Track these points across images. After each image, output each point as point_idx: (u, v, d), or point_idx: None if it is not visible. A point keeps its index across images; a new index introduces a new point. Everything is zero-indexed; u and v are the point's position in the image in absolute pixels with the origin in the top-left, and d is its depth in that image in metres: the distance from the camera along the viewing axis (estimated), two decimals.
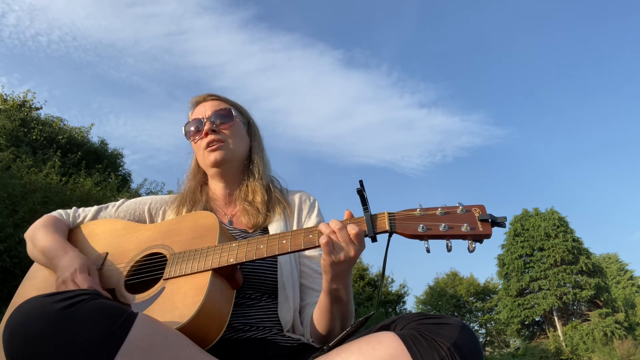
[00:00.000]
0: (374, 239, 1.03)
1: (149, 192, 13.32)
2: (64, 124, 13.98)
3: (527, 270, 31.30)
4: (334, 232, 1.03)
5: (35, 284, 1.29)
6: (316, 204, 1.47)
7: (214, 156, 1.39)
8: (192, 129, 1.44)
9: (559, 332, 29.46)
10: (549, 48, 58.84)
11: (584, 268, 29.32)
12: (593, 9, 56.84)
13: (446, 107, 58.73)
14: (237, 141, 1.45)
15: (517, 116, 60.42)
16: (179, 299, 1.04)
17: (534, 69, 59.82)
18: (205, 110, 1.44)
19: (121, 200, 1.50)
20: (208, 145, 1.40)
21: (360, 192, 1.04)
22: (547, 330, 30.61)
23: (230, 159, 1.42)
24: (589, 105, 57.85)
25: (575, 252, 30.00)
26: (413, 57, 67.64)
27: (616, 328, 27.03)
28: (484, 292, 34.79)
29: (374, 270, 22.17)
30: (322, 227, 1.05)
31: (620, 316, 28.53)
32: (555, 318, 30.19)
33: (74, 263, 1.18)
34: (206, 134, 1.40)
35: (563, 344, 28.37)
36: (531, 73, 60.14)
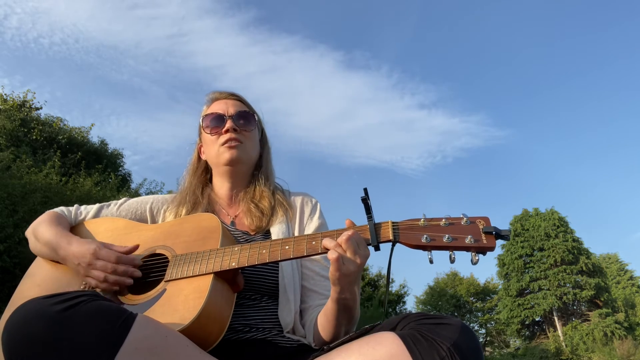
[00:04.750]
0: (377, 248, 1.03)
1: (149, 192, 13.31)
2: (64, 124, 13.97)
3: (527, 270, 31.33)
4: (339, 245, 1.01)
5: (36, 281, 1.29)
6: (318, 206, 1.46)
7: (231, 154, 1.39)
8: (212, 121, 1.42)
9: (559, 332, 29.50)
10: (548, 49, 58.88)
11: (584, 268, 29.35)
12: (592, 11, 56.87)
13: (446, 108, 58.84)
14: (253, 146, 1.46)
15: (516, 117, 60.56)
16: (180, 302, 1.04)
17: (534, 70, 59.89)
18: (228, 107, 1.44)
19: (123, 199, 1.50)
20: (226, 142, 1.39)
21: (365, 201, 1.04)
22: (547, 330, 30.64)
23: (245, 161, 1.43)
24: (589, 106, 57.93)
25: (575, 252, 30.03)
26: (413, 59, 67.74)
27: (616, 328, 27.06)
28: (484, 292, 34.83)
29: (374, 270, 22.21)
30: (327, 242, 1.03)
31: (620, 316, 28.57)
32: (555, 318, 30.22)
33: (88, 245, 1.18)
34: (227, 131, 1.40)
35: (563, 344, 28.40)
36: (531, 74, 60.21)
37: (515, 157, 59.49)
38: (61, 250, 1.23)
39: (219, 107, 1.44)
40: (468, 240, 0.94)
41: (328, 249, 1.02)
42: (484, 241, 0.94)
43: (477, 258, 0.94)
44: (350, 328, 1.17)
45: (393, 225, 1.02)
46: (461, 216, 0.98)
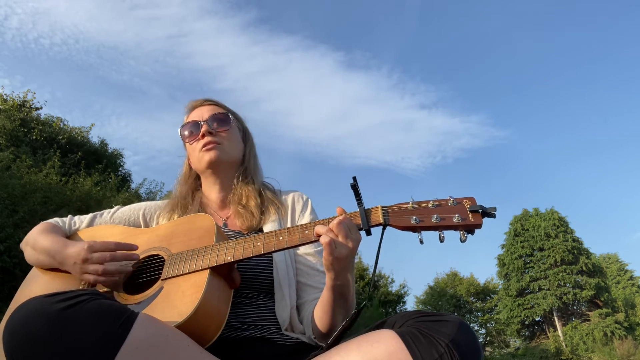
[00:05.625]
0: (368, 232, 1.05)
1: (149, 192, 13.30)
2: (64, 124, 13.96)
3: (527, 270, 31.31)
4: (331, 230, 1.03)
5: (33, 289, 1.29)
6: (309, 202, 1.48)
7: (209, 156, 1.40)
8: (189, 131, 1.46)
9: (559, 332, 29.46)
10: (548, 49, 58.93)
11: (584, 268, 29.33)
12: (591, 8, 56.91)
13: (446, 108, 58.84)
14: (232, 145, 1.47)
15: (517, 117, 60.60)
16: (177, 298, 1.05)
17: (534, 70, 59.92)
18: (203, 113, 1.46)
19: (116, 207, 1.51)
20: (204, 146, 1.41)
21: (354, 187, 1.06)
22: (547, 330, 30.61)
23: (226, 160, 1.44)
24: (589, 106, 57.95)
25: (575, 252, 30.01)
26: (413, 59, 67.83)
27: (616, 328, 27.03)
28: (484, 292, 34.79)
29: None
30: (319, 228, 1.05)
31: (620, 316, 28.53)
32: (555, 318, 30.19)
33: (82, 243, 1.19)
34: (203, 136, 1.42)
35: (563, 344, 28.37)
36: (531, 74, 60.24)
37: (515, 157, 59.58)
38: (58, 255, 1.23)
39: (194, 115, 1.48)
40: (456, 219, 0.96)
41: (320, 235, 1.03)
42: (471, 219, 0.96)
43: (465, 236, 0.96)
44: (347, 317, 1.18)
45: (383, 210, 1.04)
46: (448, 198, 1.01)
